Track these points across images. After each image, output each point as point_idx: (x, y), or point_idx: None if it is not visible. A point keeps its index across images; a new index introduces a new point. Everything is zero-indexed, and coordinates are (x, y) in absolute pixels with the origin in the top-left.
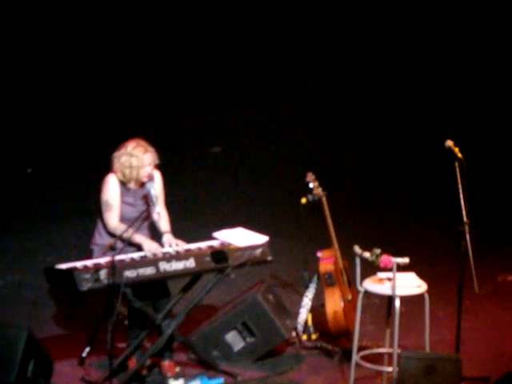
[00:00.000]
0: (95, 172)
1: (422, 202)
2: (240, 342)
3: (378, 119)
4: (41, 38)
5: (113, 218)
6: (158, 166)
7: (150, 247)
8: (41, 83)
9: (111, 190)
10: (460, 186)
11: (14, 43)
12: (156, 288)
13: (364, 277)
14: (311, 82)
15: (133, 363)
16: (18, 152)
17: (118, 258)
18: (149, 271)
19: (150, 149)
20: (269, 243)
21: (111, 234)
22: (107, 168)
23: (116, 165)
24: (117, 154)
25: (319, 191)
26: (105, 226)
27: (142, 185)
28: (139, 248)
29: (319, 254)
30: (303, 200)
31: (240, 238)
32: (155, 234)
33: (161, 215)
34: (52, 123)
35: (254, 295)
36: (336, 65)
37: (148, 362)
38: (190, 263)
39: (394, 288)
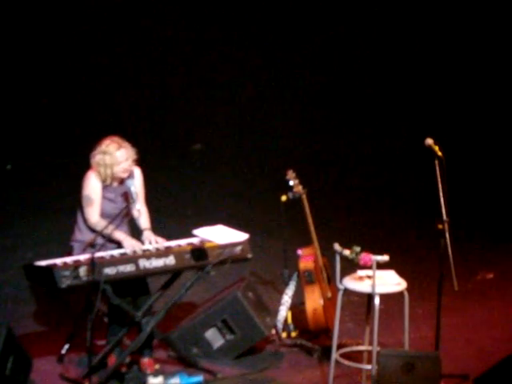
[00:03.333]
0: (75, 168)
1: (402, 200)
2: (220, 340)
3: (359, 117)
4: (25, 35)
5: (93, 213)
6: (138, 163)
7: (130, 244)
8: (20, 80)
9: (92, 185)
10: (440, 184)
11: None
12: (136, 285)
13: (344, 274)
14: (293, 79)
15: (112, 360)
16: None
17: (98, 254)
18: (128, 268)
19: (125, 145)
20: (249, 241)
21: (91, 230)
22: (87, 165)
23: (93, 163)
24: (93, 153)
25: (299, 189)
26: (85, 222)
27: (122, 181)
28: (119, 245)
29: (299, 252)
30: (283, 197)
31: (220, 235)
32: (135, 231)
33: (141, 212)
34: (31, 120)
35: (234, 293)
36: (319, 62)
37: (127, 359)
38: (170, 260)
39: (373, 286)
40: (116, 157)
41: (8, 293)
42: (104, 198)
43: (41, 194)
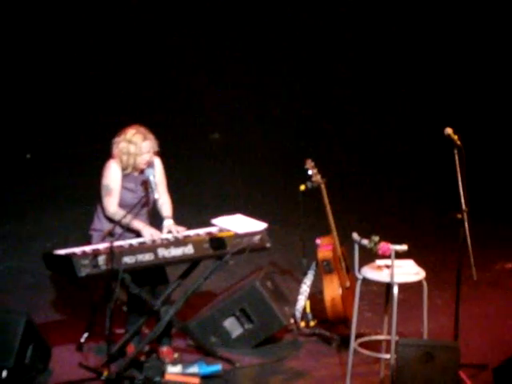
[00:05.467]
0: (95, 158)
1: (422, 189)
2: (238, 329)
3: (379, 107)
4: (37, 28)
5: (112, 202)
6: (159, 153)
7: (149, 233)
8: (40, 70)
9: (112, 174)
10: (459, 174)
11: (11, 34)
12: (154, 274)
13: (362, 264)
14: (312, 68)
15: (131, 349)
16: (17, 138)
17: (117, 243)
18: (147, 257)
19: (150, 136)
20: (267, 230)
21: (110, 220)
22: (107, 154)
23: (115, 150)
24: (116, 140)
25: (318, 178)
26: (104, 211)
27: (142, 171)
28: (138, 234)
29: (318, 241)
30: (302, 187)
31: (239, 224)
32: (154, 220)
33: (163, 200)
34: (52, 109)
35: (252, 282)
36: (335, 53)
37: (146, 348)
38: (189, 249)
39: (392, 275)
40: (141, 147)
41: (27, 281)
42: (124, 188)
43: (60, 183)
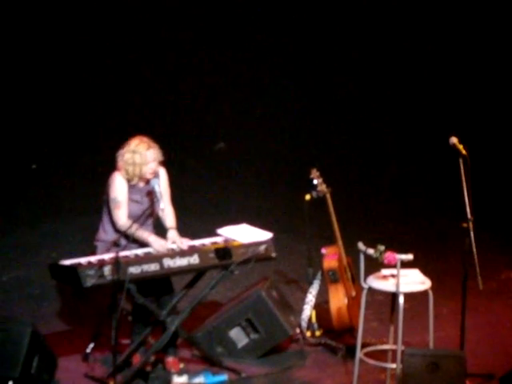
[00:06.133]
0: (100, 168)
1: (427, 198)
2: (244, 339)
3: (383, 115)
4: (44, 33)
5: (121, 215)
6: (163, 163)
7: (159, 245)
8: (46, 80)
9: (118, 187)
10: (464, 183)
11: (17, 39)
12: (160, 284)
13: (368, 273)
14: (316, 78)
15: (137, 359)
16: (23, 148)
17: (123, 254)
18: (153, 267)
19: (153, 145)
20: (273, 240)
21: (116, 230)
22: (111, 164)
23: (120, 162)
24: (120, 152)
25: (323, 187)
26: (111, 223)
27: (147, 182)
28: (142, 244)
29: (323, 251)
30: (307, 196)
31: (244, 234)
32: (159, 231)
33: (167, 211)
34: (57, 119)
35: (258, 292)
36: (340, 62)
37: (152, 358)
38: (194, 259)
39: (397, 285)
40: (146, 156)
41: (33, 292)
42: (130, 199)
43: (66, 194)
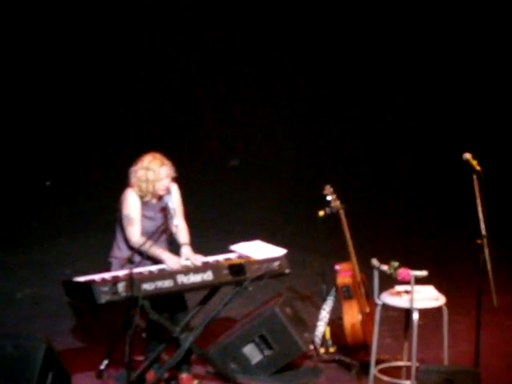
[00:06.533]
0: (114, 185)
1: (441, 214)
2: (258, 355)
3: (396, 133)
4: (61, 48)
5: (135, 232)
6: (176, 179)
7: (173, 262)
8: (60, 97)
9: (131, 204)
10: (478, 199)
11: (26, 51)
12: (173, 301)
13: (382, 290)
14: (331, 94)
15: (151, 376)
16: (37, 165)
17: (136, 270)
18: (167, 284)
19: (166, 162)
20: (287, 256)
21: (130, 247)
22: (125, 181)
23: (133, 179)
24: (133, 169)
25: (337, 204)
26: (124, 240)
27: (160, 198)
28: (156, 261)
29: (337, 267)
30: (321, 213)
31: (258, 250)
32: (172, 248)
33: (180, 227)
34: (70, 137)
35: (271, 308)
36: (352, 76)
37: (166, 375)
38: (208, 276)
39: (411, 301)
40: (159, 173)
41: (47, 308)
42: (143, 216)
43: (80, 211)
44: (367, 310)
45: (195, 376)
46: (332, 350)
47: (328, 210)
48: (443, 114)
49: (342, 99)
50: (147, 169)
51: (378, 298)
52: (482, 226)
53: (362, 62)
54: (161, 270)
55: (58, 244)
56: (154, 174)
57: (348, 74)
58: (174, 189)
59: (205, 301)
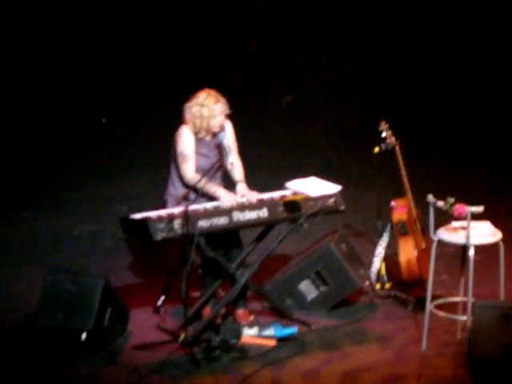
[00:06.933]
0: (169, 122)
1: (498, 150)
2: (313, 291)
3: (454, 69)
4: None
5: (189, 168)
6: (230, 116)
7: (228, 199)
8: (115, 38)
9: (186, 141)
10: None
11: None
12: (228, 238)
13: (438, 226)
14: (384, 30)
15: (207, 312)
16: (93, 102)
17: (192, 207)
18: (222, 221)
19: (221, 99)
20: (342, 192)
21: (185, 185)
22: (180, 118)
23: (187, 115)
24: (188, 105)
25: (392, 140)
26: (179, 177)
27: (215, 135)
28: (210, 198)
29: (393, 203)
30: (376, 149)
31: (313, 187)
32: (227, 185)
33: (234, 165)
34: (126, 74)
35: (327, 244)
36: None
37: (222, 310)
38: (263, 213)
39: (468, 237)
40: (213, 110)
41: (105, 245)
42: (198, 153)
43: (136, 148)
44: (423, 245)
45: (251, 311)
46: (388, 285)
47: (383, 146)
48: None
49: (396, 35)
50: (202, 105)
51: (434, 234)
52: None
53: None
54: (216, 207)
55: (115, 181)
56: (209, 110)
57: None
58: (229, 126)
59: (260, 238)
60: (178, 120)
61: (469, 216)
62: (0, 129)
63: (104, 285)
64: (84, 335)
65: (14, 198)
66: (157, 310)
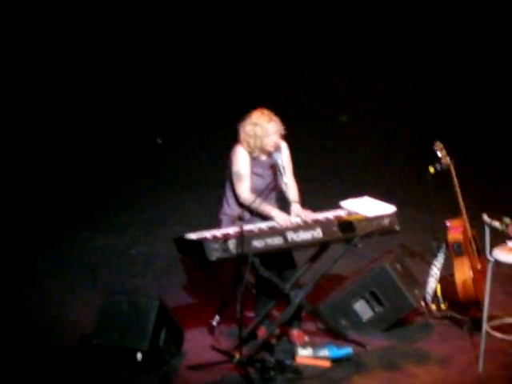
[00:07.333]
0: (223, 142)
1: None
2: (368, 312)
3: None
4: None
5: (244, 188)
6: (285, 137)
7: (282, 219)
8: (169, 57)
9: (241, 160)
10: None
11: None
12: (282, 258)
13: (493, 246)
14: (439, 51)
15: (262, 332)
16: (148, 122)
17: (247, 227)
18: (277, 241)
19: (275, 118)
20: (396, 213)
21: (240, 205)
22: (234, 138)
23: (242, 134)
24: (242, 124)
25: (447, 160)
26: (234, 197)
27: (269, 155)
28: (264, 218)
29: (448, 224)
30: (431, 169)
31: (367, 207)
32: (281, 205)
33: (289, 185)
34: (181, 93)
35: (382, 264)
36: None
37: (277, 331)
38: (318, 233)
39: None
40: (266, 129)
41: (159, 265)
42: (253, 173)
43: (190, 168)
44: (478, 266)
45: (306, 332)
46: (443, 306)
47: (438, 166)
48: None
49: (453, 51)
50: (255, 124)
51: (490, 254)
52: None
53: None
54: (271, 227)
55: (169, 201)
56: (262, 129)
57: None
58: (284, 146)
59: (314, 258)
60: (231, 139)
61: None
62: (58, 148)
63: (159, 305)
64: (139, 355)
65: (71, 218)
66: (211, 330)
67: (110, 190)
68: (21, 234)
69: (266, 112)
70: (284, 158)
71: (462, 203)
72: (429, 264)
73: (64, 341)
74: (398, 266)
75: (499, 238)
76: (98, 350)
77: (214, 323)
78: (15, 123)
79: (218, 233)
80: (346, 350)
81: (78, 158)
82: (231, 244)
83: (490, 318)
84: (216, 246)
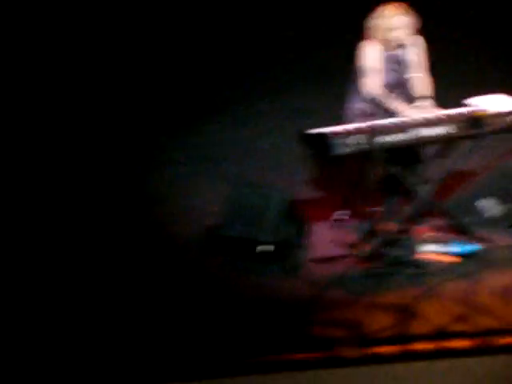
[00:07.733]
0: (355, 35)
1: None
2: (496, 209)
3: None
4: None
5: (372, 83)
6: (420, 31)
7: (410, 113)
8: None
9: (367, 55)
10: None
11: None
12: (409, 154)
13: None
14: None
15: (386, 227)
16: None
17: (374, 122)
18: (404, 136)
19: (404, 12)
20: None
21: (366, 100)
22: (362, 32)
23: (368, 28)
24: (370, 18)
25: None
26: (360, 91)
27: (402, 50)
28: (392, 114)
29: None
30: None
31: (495, 104)
32: (411, 101)
33: (422, 81)
34: None
35: (509, 161)
36: None
37: (401, 226)
38: (445, 129)
39: None
40: (392, 22)
41: (284, 160)
42: (382, 68)
43: (321, 61)
44: None
45: (431, 228)
46: None
47: None
48: None
49: None
50: (380, 17)
51: None
52: None
53: None
54: (399, 123)
55: (299, 95)
56: (387, 22)
57: None
58: (418, 41)
59: (442, 153)
60: (359, 34)
61: None
62: (190, 43)
63: (284, 198)
64: (263, 247)
65: (200, 111)
66: (335, 223)
67: (239, 81)
68: (149, 124)
69: (396, 5)
70: (417, 53)
71: None
72: None
73: (190, 232)
74: None
75: None
76: (224, 241)
77: (338, 217)
78: None
79: (344, 127)
80: (474, 246)
81: (206, 48)
82: (358, 138)
83: None
84: (342, 140)
